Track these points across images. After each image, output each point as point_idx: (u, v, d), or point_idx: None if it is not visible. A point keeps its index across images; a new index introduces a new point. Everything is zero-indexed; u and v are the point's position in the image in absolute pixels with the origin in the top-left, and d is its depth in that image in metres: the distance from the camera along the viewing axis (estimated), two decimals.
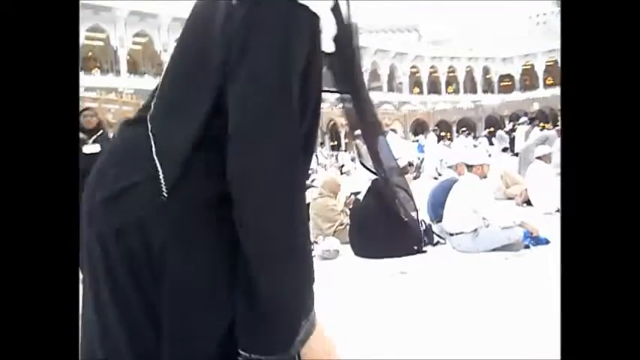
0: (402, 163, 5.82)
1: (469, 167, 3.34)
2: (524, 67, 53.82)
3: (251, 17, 0.53)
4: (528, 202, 5.26)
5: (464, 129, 18.99)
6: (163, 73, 0.68)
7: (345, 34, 0.64)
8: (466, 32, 76.87)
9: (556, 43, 54.79)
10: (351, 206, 4.02)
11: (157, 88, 0.66)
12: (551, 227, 3.49)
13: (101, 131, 3.57)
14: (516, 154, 9.05)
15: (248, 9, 0.53)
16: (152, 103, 0.64)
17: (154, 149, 0.57)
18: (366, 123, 0.73)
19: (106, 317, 0.59)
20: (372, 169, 0.81)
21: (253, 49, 0.52)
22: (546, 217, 4.63)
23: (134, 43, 32.87)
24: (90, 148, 3.37)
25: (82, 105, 4.85)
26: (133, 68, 33.48)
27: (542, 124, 12.44)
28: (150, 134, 0.59)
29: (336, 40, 0.62)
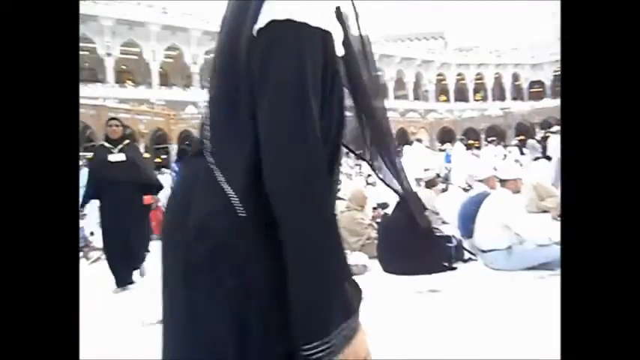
0: (429, 174, 5.73)
1: (502, 182, 3.24)
2: (554, 74, 52.21)
3: (268, 49, 0.59)
4: None
5: (493, 138, 18.52)
6: (207, 107, 0.71)
7: (352, 42, 0.71)
8: (494, 38, 75.36)
9: None
10: (378, 220, 3.98)
11: (204, 123, 0.70)
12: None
13: (127, 141, 3.67)
14: (548, 158, 8.70)
15: (265, 41, 0.59)
16: (205, 139, 0.68)
17: (221, 179, 0.62)
18: (377, 135, 0.77)
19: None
20: (390, 184, 0.81)
21: (272, 79, 0.58)
22: None
23: (166, 56, 34.12)
24: (115, 156, 3.47)
25: (117, 115, 5.04)
26: (164, 80, 34.71)
27: None
28: (211, 166, 0.64)
29: (343, 45, 0.69)
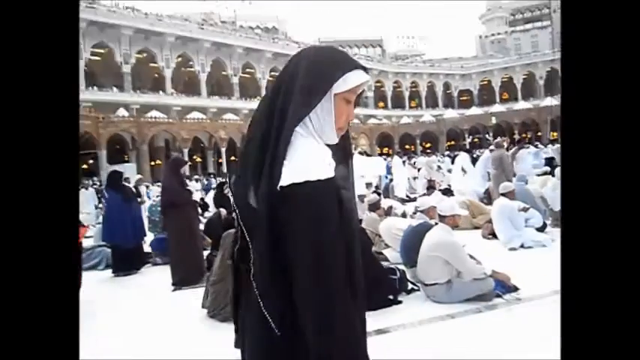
0: (373, 198, 5.86)
1: (441, 217, 3.40)
2: (481, 83, 56.62)
3: (293, 205, 0.81)
4: (494, 235, 5.45)
5: (428, 150, 19.53)
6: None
7: None
8: (427, 49, 79.83)
9: (510, 61, 58.21)
10: None
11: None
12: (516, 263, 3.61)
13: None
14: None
15: (291, 198, 0.80)
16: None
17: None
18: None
19: None
20: None
21: (302, 227, 0.82)
22: (511, 253, 4.82)
23: (92, 54, 31.60)
24: None
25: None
26: (92, 80, 32.12)
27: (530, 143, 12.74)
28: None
29: None
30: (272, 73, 43.34)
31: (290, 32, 61.35)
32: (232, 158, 36.66)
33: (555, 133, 41.69)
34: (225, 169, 32.15)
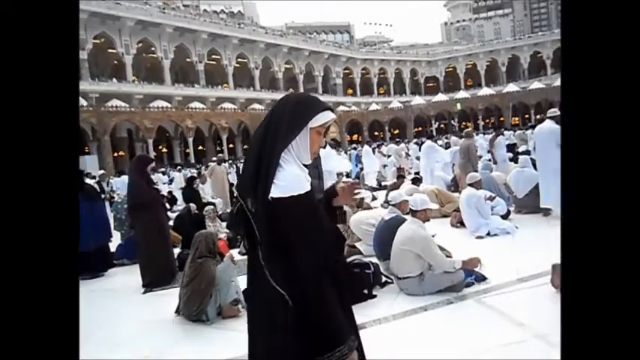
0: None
1: (413, 212, 3.46)
2: (447, 70, 57.75)
3: (284, 214, 1.19)
4: (462, 223, 5.63)
5: (398, 139, 19.82)
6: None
7: None
8: (394, 35, 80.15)
9: (474, 47, 59.61)
10: None
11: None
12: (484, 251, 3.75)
13: None
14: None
15: (279, 208, 1.18)
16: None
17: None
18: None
19: None
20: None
21: (291, 231, 1.21)
22: (478, 241, 5.01)
23: None
24: None
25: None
26: None
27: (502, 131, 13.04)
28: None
29: None
30: (239, 60, 42.31)
31: (256, 17, 59.89)
32: (200, 148, 35.80)
33: (517, 118, 43.37)
34: (193, 159, 31.33)
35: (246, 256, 4.72)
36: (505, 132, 18.96)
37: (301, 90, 46.21)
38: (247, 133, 37.25)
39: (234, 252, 5.17)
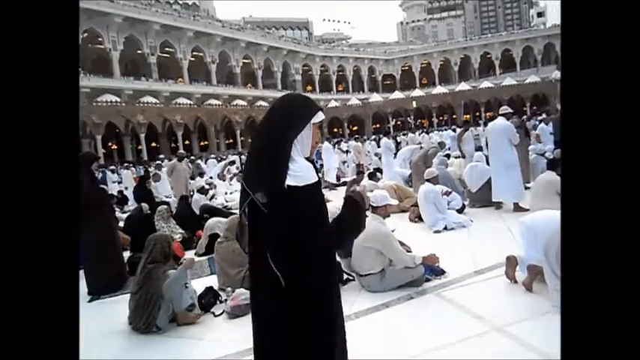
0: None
1: (373, 208, 3.44)
2: (403, 69, 59.28)
3: (295, 198, 1.34)
4: (420, 218, 5.74)
5: (357, 136, 20.01)
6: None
7: None
8: (352, 33, 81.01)
9: (429, 47, 61.62)
10: None
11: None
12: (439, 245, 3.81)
13: None
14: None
15: (294, 195, 1.34)
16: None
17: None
18: None
19: None
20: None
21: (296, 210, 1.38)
22: (436, 235, 5.12)
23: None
24: None
25: None
26: None
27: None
28: None
29: None
30: (194, 53, 40.88)
31: (212, 10, 58.14)
32: (153, 145, 34.25)
33: (468, 116, 45.34)
34: (145, 156, 29.90)
35: (203, 257, 4.51)
36: (457, 130, 19.64)
37: (260, 85, 45.55)
38: (204, 130, 36.15)
39: (190, 253, 4.94)
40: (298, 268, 1.24)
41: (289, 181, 1.25)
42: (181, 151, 11.03)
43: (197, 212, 6.66)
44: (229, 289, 3.41)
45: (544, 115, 13.49)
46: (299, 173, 1.27)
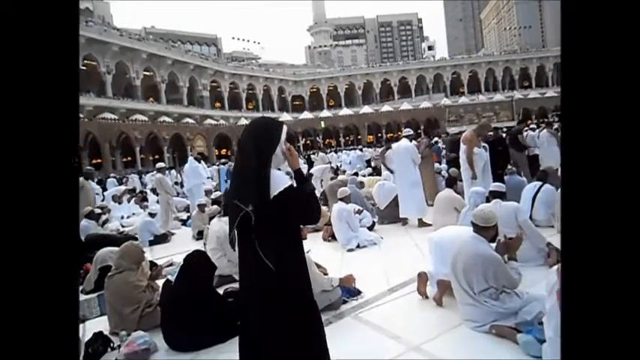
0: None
1: None
2: (311, 90, 61.40)
3: (288, 201, 1.70)
4: (333, 236, 5.74)
5: None
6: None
7: None
8: (261, 53, 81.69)
9: (335, 71, 64.95)
10: (160, 280, 3.38)
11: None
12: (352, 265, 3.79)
13: None
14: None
15: (283, 199, 1.68)
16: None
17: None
18: None
19: None
20: None
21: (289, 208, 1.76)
22: (349, 254, 5.14)
23: None
24: None
25: None
26: None
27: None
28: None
29: None
30: (86, 62, 37.02)
31: (109, 17, 53.67)
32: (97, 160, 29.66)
33: (371, 137, 48.47)
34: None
35: (91, 295, 3.81)
36: (365, 150, 20.59)
37: (164, 100, 42.87)
38: (97, 146, 32.51)
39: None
40: (284, 254, 1.61)
41: (273, 190, 1.56)
42: (88, 167, 9.65)
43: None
44: (123, 332, 2.90)
45: (436, 138, 15.02)
46: (277, 182, 1.58)
